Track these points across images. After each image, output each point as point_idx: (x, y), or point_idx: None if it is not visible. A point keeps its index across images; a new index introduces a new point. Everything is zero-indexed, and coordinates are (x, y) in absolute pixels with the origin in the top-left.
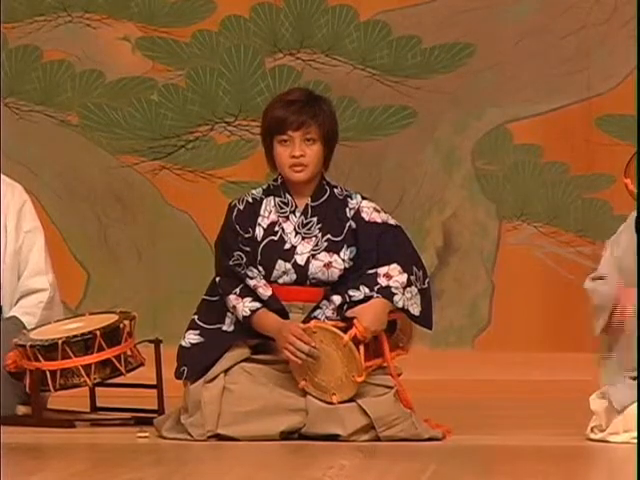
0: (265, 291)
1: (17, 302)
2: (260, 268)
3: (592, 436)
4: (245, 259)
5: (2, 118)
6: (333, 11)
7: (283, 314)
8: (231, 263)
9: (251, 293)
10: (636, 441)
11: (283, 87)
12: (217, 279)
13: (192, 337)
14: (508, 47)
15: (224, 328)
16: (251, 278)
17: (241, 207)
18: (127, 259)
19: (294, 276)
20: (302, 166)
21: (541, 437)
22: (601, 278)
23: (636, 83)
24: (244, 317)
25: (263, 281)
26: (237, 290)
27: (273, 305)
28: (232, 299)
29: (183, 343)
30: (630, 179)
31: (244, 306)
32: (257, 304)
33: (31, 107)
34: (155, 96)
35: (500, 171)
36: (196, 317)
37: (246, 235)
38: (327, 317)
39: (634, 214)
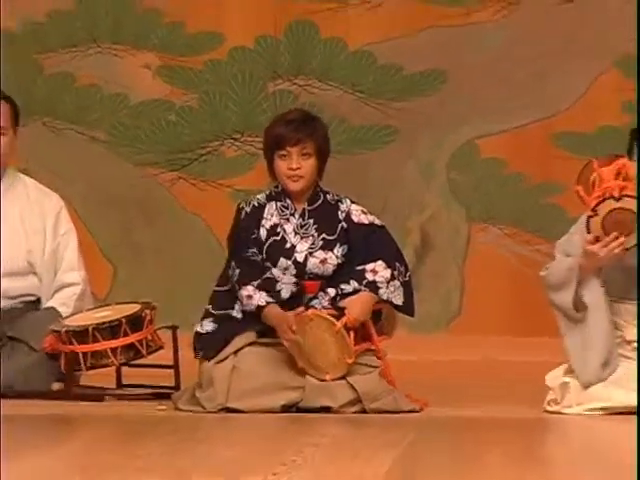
0: (285, 289)
1: (54, 294)
2: (267, 264)
3: (548, 408)
4: (258, 255)
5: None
6: (325, 43)
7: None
8: (249, 254)
9: (267, 287)
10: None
11: (282, 108)
12: (236, 270)
13: (207, 325)
14: (476, 74)
15: (233, 314)
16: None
17: (248, 210)
18: (148, 257)
19: (294, 271)
20: (298, 177)
21: (504, 410)
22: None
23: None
24: (258, 306)
25: (282, 276)
26: (255, 283)
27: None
28: (250, 290)
29: (199, 329)
30: (581, 186)
31: (260, 298)
32: (271, 299)
33: (65, 126)
34: (172, 116)
35: (470, 181)
36: (210, 307)
37: (252, 236)
38: (323, 306)
39: (584, 217)
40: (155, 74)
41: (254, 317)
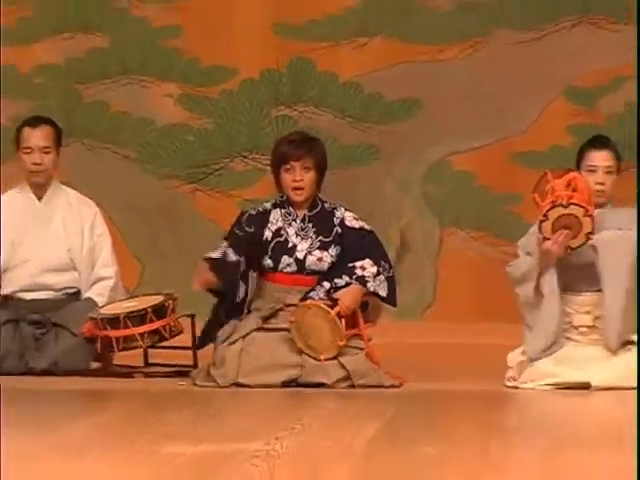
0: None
1: (91, 287)
2: (269, 261)
3: (508, 384)
4: (237, 241)
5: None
6: (320, 75)
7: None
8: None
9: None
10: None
11: (284, 131)
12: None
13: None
14: (447, 101)
15: (237, 301)
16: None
17: (253, 213)
18: (171, 256)
19: (295, 267)
20: (301, 189)
21: (471, 385)
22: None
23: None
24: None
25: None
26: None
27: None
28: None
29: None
30: (537, 194)
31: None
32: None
33: (101, 145)
34: (191, 137)
35: (442, 192)
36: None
37: (248, 230)
38: (319, 297)
39: (538, 222)
40: (176, 102)
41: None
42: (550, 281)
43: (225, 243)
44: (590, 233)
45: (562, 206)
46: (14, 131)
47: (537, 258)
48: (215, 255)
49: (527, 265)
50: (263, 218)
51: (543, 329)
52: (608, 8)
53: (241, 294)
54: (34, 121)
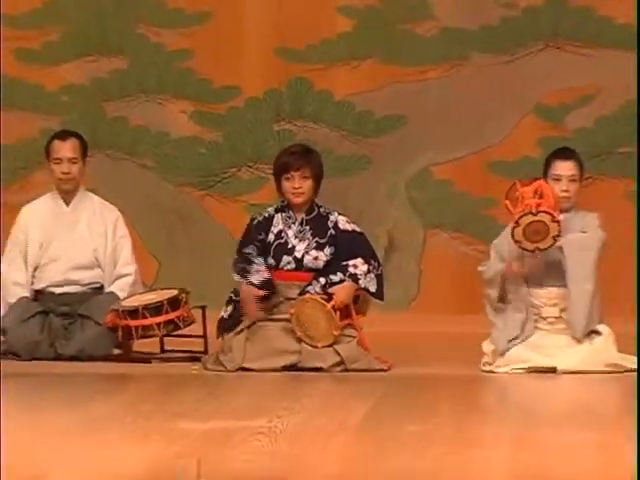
0: (262, 275)
1: (113, 282)
2: (271, 260)
3: (484, 369)
4: (256, 251)
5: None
6: (317, 94)
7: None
8: (245, 251)
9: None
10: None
11: (285, 144)
12: (235, 259)
13: (227, 311)
14: (429, 117)
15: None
16: (257, 264)
17: (260, 219)
18: (184, 254)
19: (294, 265)
20: (300, 196)
21: (451, 369)
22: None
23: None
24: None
25: (263, 267)
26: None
27: (262, 285)
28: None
29: (222, 314)
30: (508, 201)
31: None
32: (243, 279)
33: (122, 156)
34: (202, 149)
35: (425, 197)
36: (232, 295)
37: (259, 237)
38: (316, 292)
39: (510, 226)
40: (189, 118)
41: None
42: (517, 288)
43: (256, 265)
44: (557, 236)
45: (532, 214)
46: (44, 144)
47: (504, 268)
48: (255, 280)
49: (493, 271)
50: (268, 223)
51: (507, 329)
52: (572, 34)
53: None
54: (63, 135)
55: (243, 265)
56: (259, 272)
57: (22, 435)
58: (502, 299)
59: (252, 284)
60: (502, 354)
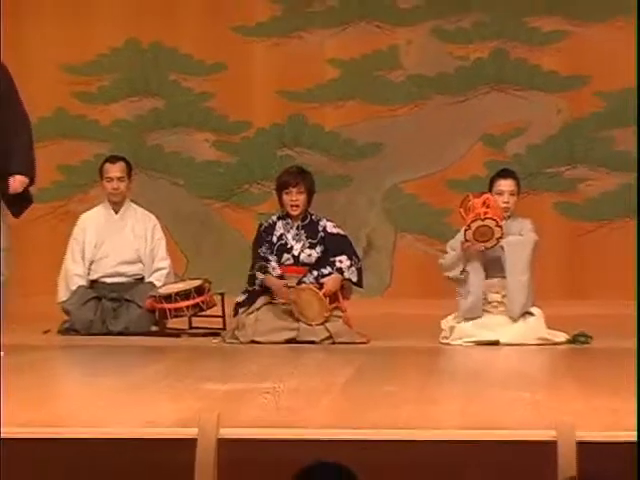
0: (276, 271)
1: (151, 274)
2: (275, 257)
3: (442, 341)
4: (268, 251)
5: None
6: (311, 127)
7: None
8: (259, 252)
9: (267, 267)
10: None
11: (286, 165)
12: (254, 261)
13: (242, 296)
14: (400, 144)
15: (256, 287)
16: (273, 262)
17: (266, 225)
18: (207, 252)
19: (292, 261)
20: (296, 206)
21: (416, 342)
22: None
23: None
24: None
25: (276, 265)
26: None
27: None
28: (259, 274)
29: (238, 300)
30: (462, 209)
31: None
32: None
33: (159, 176)
34: (221, 170)
35: (396, 208)
36: (247, 285)
37: (267, 239)
38: (310, 282)
39: (463, 229)
40: (211, 145)
41: (265, 290)
42: (474, 264)
43: (272, 263)
44: (500, 238)
45: (480, 220)
46: (99, 166)
47: (459, 253)
48: (275, 274)
49: (452, 258)
50: (271, 228)
51: (472, 293)
52: (510, 80)
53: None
54: (113, 159)
55: (262, 263)
56: (274, 269)
57: (82, 392)
58: (464, 277)
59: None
60: (465, 319)
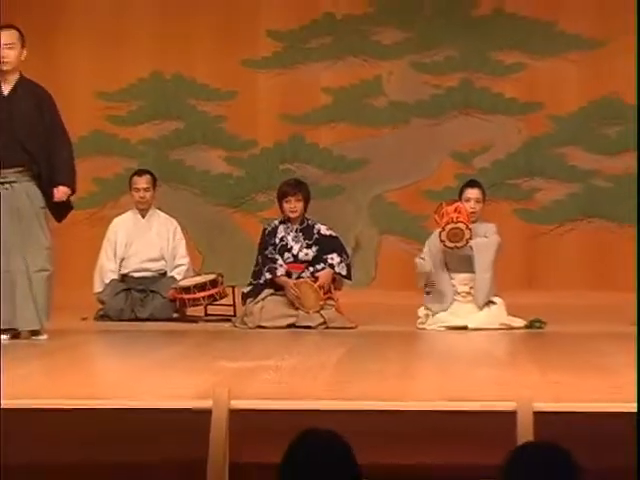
0: (282, 270)
1: (173, 270)
2: (278, 256)
3: (418, 327)
4: (274, 252)
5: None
6: (307, 145)
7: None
8: (267, 253)
9: (275, 269)
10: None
11: (286, 177)
12: (259, 260)
13: (247, 288)
14: (384, 160)
15: (260, 282)
16: (279, 261)
17: (269, 228)
18: (221, 251)
19: (292, 259)
20: (295, 213)
21: (397, 327)
22: (422, 258)
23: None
24: (271, 278)
25: (281, 262)
26: (267, 267)
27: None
28: (265, 271)
29: (244, 290)
30: (437, 215)
31: (268, 275)
32: (271, 275)
33: (179, 186)
34: (232, 181)
35: (379, 214)
36: (251, 279)
37: (271, 241)
38: (307, 276)
39: (437, 231)
40: (223, 161)
41: (269, 283)
42: (439, 265)
43: (279, 262)
44: (469, 239)
45: (453, 223)
46: (128, 178)
47: (434, 254)
48: (280, 273)
49: (422, 270)
50: (274, 231)
51: (440, 294)
52: (476, 105)
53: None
54: (140, 172)
55: (271, 265)
56: (281, 267)
57: (115, 369)
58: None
59: (276, 275)
60: (434, 314)
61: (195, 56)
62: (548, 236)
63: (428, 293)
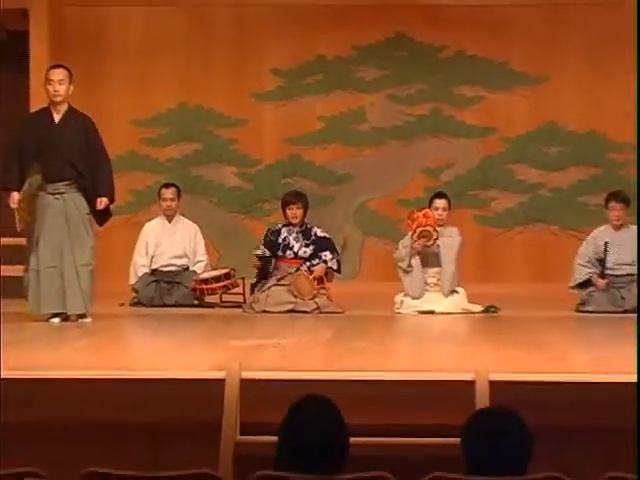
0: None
1: (194, 265)
2: (280, 252)
3: (395, 311)
4: (267, 245)
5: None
6: (305, 163)
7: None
8: (266, 254)
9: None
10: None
11: (287, 189)
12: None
13: (254, 280)
14: (366, 175)
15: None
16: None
17: (273, 230)
18: (233, 250)
19: (293, 255)
20: (296, 218)
21: (378, 311)
22: (398, 249)
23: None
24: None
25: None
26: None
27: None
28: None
29: (252, 282)
30: (409, 220)
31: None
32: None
33: (199, 197)
34: (241, 192)
35: (364, 219)
36: (257, 271)
37: (272, 240)
38: (305, 270)
39: (410, 233)
40: (235, 176)
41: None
42: (415, 261)
43: (262, 248)
44: (436, 239)
45: (422, 226)
46: (157, 190)
47: (408, 249)
48: (259, 253)
49: (401, 253)
50: (277, 233)
51: (413, 283)
52: (442, 129)
53: (270, 269)
54: (167, 185)
55: (264, 263)
56: (263, 252)
57: (147, 346)
58: (409, 267)
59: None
60: (412, 298)
61: (213, 90)
62: (501, 237)
63: (407, 272)
